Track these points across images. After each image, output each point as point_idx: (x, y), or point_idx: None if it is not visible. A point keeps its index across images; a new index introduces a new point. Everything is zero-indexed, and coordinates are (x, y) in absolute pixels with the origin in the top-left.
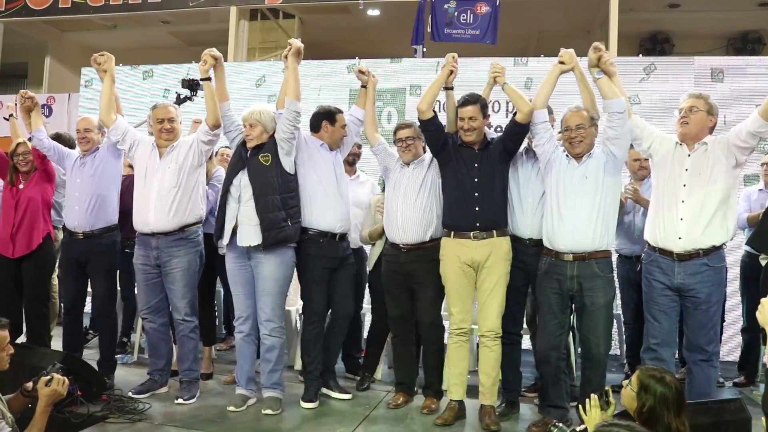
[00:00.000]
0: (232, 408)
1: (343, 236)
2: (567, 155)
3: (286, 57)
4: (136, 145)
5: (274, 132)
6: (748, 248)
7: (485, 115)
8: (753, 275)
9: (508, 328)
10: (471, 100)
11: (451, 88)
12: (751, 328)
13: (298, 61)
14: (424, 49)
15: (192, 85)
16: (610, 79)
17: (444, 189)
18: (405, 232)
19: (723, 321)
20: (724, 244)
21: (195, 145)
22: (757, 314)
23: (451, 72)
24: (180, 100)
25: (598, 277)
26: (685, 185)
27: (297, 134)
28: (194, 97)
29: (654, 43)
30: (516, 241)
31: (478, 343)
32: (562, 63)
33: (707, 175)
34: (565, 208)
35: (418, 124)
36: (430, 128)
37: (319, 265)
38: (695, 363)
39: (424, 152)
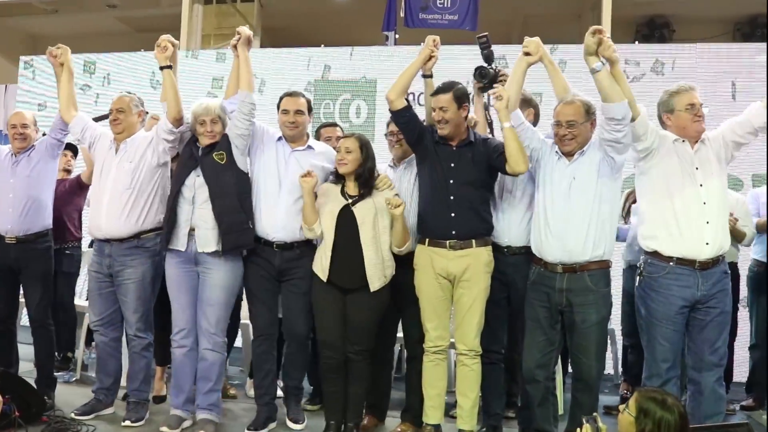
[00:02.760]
0: (165, 429)
1: (289, 245)
2: (557, 152)
3: (235, 47)
4: (96, 140)
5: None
6: (757, 257)
7: (461, 106)
8: (762, 286)
9: (488, 346)
10: (444, 87)
11: (430, 76)
12: (760, 345)
13: (248, 50)
14: (397, 36)
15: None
16: (612, 69)
17: (420, 189)
18: None
19: (734, 338)
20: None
21: (155, 142)
22: None
23: (431, 57)
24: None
25: (590, 292)
26: (702, 185)
27: (252, 129)
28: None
29: (652, 29)
30: (493, 249)
31: (455, 362)
32: (527, 54)
33: (717, 173)
34: (553, 212)
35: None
36: (401, 120)
37: (256, 274)
38: (706, 383)
39: None
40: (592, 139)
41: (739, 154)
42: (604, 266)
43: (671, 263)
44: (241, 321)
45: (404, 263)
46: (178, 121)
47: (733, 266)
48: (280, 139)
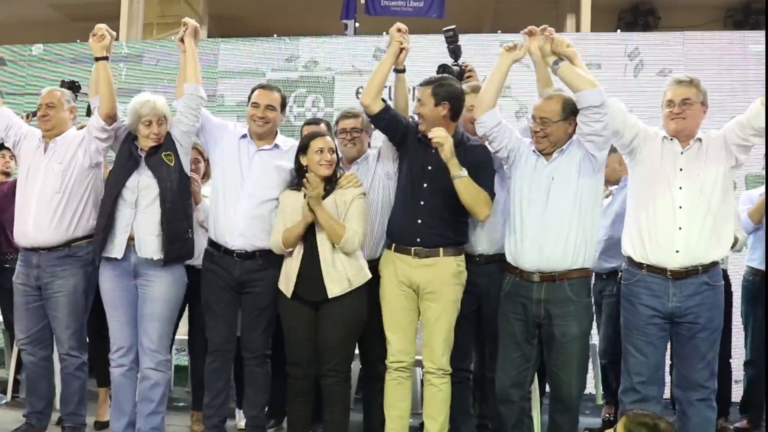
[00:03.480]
0: None
1: (251, 255)
2: (535, 151)
3: (181, 40)
4: (22, 139)
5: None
6: (752, 264)
7: (439, 102)
8: (758, 296)
9: (456, 364)
10: (427, 80)
11: (403, 71)
12: (755, 360)
13: (196, 42)
14: (357, 25)
15: (72, 87)
16: (573, 63)
17: (396, 191)
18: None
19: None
20: (722, 259)
21: (86, 141)
22: None
23: (402, 49)
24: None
25: (571, 303)
26: (681, 188)
27: (200, 126)
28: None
29: (636, 16)
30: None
31: (422, 380)
32: (511, 49)
33: (706, 177)
34: (530, 216)
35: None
36: (380, 123)
37: (213, 284)
38: (690, 404)
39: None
40: (573, 137)
41: None
42: (584, 275)
43: (642, 270)
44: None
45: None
46: (111, 118)
47: (724, 275)
48: (244, 136)
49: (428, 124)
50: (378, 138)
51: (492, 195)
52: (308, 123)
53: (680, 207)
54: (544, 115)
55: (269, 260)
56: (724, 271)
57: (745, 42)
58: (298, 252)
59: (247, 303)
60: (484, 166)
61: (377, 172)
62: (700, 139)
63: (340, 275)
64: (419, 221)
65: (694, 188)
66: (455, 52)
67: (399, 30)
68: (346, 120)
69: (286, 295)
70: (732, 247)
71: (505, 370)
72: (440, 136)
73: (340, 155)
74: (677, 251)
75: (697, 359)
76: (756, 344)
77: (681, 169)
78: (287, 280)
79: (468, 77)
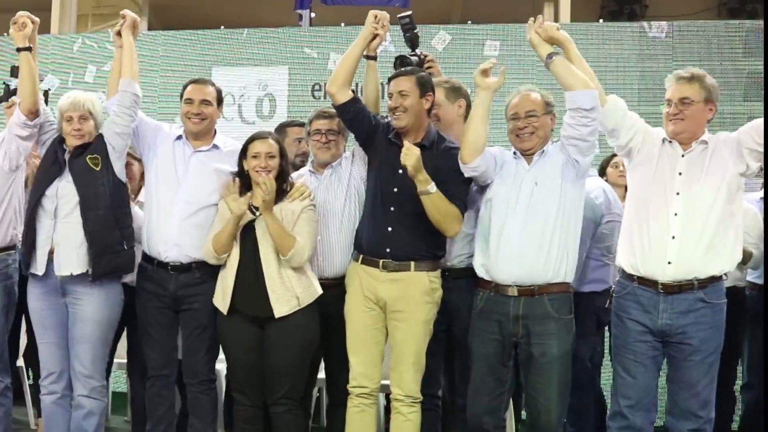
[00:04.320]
0: None
1: (186, 267)
2: (515, 154)
3: (118, 33)
4: None
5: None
6: (751, 278)
7: (425, 95)
8: (757, 313)
9: (424, 389)
10: (407, 70)
11: (374, 58)
12: (754, 384)
13: (135, 36)
14: (313, 15)
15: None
16: (567, 53)
17: (366, 196)
18: (329, 264)
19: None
20: (724, 274)
21: (6, 141)
22: None
23: (375, 36)
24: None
25: (552, 320)
26: (678, 193)
27: (137, 127)
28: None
29: (621, 5)
30: None
31: (387, 408)
32: (486, 73)
33: (708, 183)
34: (509, 224)
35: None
36: (346, 115)
37: (147, 303)
38: None
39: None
40: (552, 143)
41: None
42: (566, 290)
43: (633, 282)
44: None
45: (334, 288)
46: (33, 114)
47: (738, 292)
48: (179, 138)
49: (411, 118)
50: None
51: (463, 208)
52: (283, 126)
53: (675, 214)
54: (530, 109)
55: (208, 273)
56: (740, 289)
57: (742, 32)
58: (234, 262)
59: (185, 322)
60: (456, 173)
61: (353, 176)
62: (705, 142)
63: (288, 292)
64: (389, 229)
65: (692, 195)
66: (412, 40)
67: (376, 17)
68: (320, 120)
69: (222, 311)
70: (744, 264)
71: (477, 395)
72: (410, 149)
73: (312, 157)
74: (669, 262)
75: (689, 385)
76: (754, 365)
77: (680, 174)
78: (223, 295)
79: (428, 68)
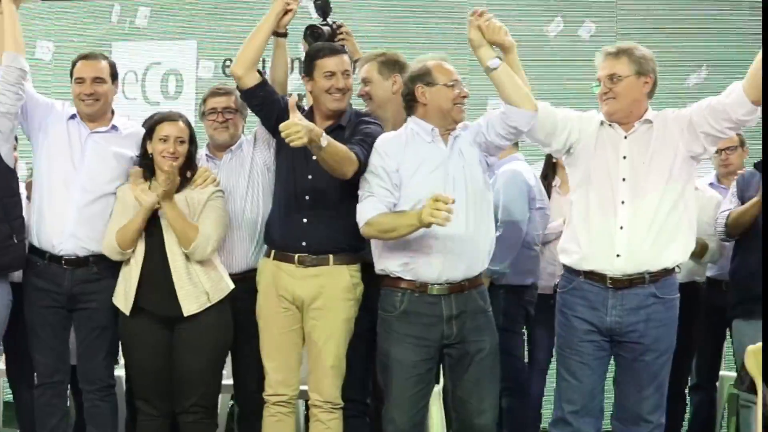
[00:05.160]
0: None
1: (83, 261)
2: (433, 132)
3: None
4: None
5: None
6: (710, 274)
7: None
8: (712, 309)
9: (350, 394)
10: (339, 48)
11: (284, 35)
12: (702, 385)
13: (17, 5)
14: None
15: None
16: (508, 58)
17: (275, 185)
18: (231, 257)
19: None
20: (677, 266)
21: None
22: (745, 362)
23: (287, 11)
24: None
25: (482, 313)
26: (624, 179)
27: (26, 105)
28: None
29: None
30: (370, 271)
31: (306, 416)
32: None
33: (656, 166)
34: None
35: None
36: (255, 100)
37: (37, 302)
38: None
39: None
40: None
41: None
42: (482, 281)
43: (579, 277)
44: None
45: (242, 284)
46: None
47: (695, 288)
48: (73, 117)
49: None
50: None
51: (361, 163)
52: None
53: (622, 202)
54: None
55: (107, 268)
56: (695, 285)
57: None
58: (139, 257)
59: (81, 323)
60: (366, 128)
61: (255, 161)
62: (649, 121)
63: (197, 288)
64: (304, 221)
65: (639, 180)
66: (323, 8)
67: None
68: (216, 98)
69: (125, 312)
70: (701, 257)
71: (401, 408)
72: (292, 131)
73: (215, 141)
74: (618, 255)
75: (639, 387)
76: (704, 366)
77: (624, 157)
78: (126, 293)
79: (341, 39)
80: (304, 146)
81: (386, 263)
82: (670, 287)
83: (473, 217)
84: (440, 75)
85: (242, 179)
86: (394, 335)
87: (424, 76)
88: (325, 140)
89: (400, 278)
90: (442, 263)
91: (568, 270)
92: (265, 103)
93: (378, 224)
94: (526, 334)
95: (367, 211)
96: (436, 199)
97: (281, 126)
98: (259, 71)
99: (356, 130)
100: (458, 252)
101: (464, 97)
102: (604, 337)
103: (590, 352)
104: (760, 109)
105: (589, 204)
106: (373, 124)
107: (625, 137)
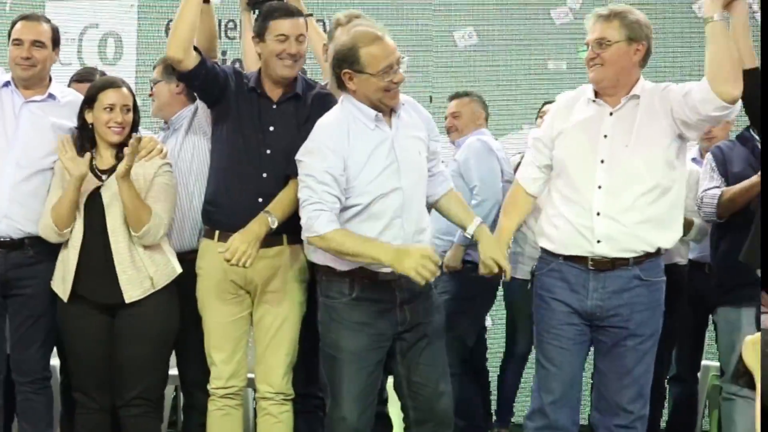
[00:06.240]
0: None
1: (18, 243)
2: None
3: None
4: None
5: None
6: (693, 257)
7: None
8: (694, 294)
9: (302, 387)
10: (296, 11)
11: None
12: (683, 376)
13: None
14: None
15: None
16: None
17: (212, 159)
18: (179, 236)
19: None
20: (660, 249)
21: None
22: (743, 354)
23: None
24: None
25: (429, 292)
26: (603, 161)
27: None
28: None
29: None
30: None
31: (255, 409)
32: None
33: (639, 147)
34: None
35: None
36: (196, 81)
37: None
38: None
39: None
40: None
41: None
42: None
43: (559, 259)
44: None
45: (191, 266)
46: None
47: (677, 270)
48: (7, 84)
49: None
50: None
51: None
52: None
53: (599, 186)
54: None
55: (44, 251)
56: (679, 267)
57: None
58: (77, 239)
59: (15, 309)
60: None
61: (189, 136)
62: (637, 96)
63: (140, 273)
64: (260, 200)
65: (618, 162)
66: None
67: None
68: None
69: (62, 297)
70: (687, 235)
71: (353, 403)
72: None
73: None
74: (599, 241)
75: (619, 374)
76: (685, 356)
77: (605, 136)
78: (63, 278)
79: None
80: (259, 118)
81: (329, 260)
82: (656, 269)
83: (418, 202)
84: (369, 62)
85: (189, 154)
86: (345, 323)
87: (352, 62)
88: (274, 222)
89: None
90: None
91: (546, 252)
92: (207, 80)
93: (335, 243)
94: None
95: (322, 225)
96: (427, 256)
97: (226, 256)
98: (195, 48)
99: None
100: (420, 228)
101: (397, 83)
102: (584, 321)
103: (570, 336)
104: (736, 105)
105: (568, 187)
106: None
107: (611, 113)
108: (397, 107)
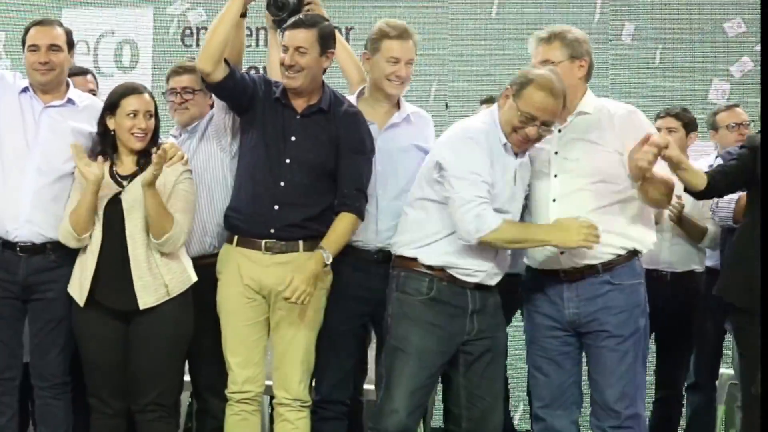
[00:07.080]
0: None
1: (40, 248)
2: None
3: None
4: None
5: None
6: (709, 264)
7: (325, 51)
8: (712, 303)
9: (331, 394)
10: (305, 21)
11: (244, 14)
12: (701, 384)
13: None
14: None
15: None
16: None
17: (238, 166)
18: (199, 243)
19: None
20: (635, 252)
21: None
22: None
23: None
24: None
25: (498, 309)
26: (556, 176)
27: None
28: None
29: None
30: (355, 255)
31: (272, 415)
32: None
33: (589, 160)
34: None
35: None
36: (224, 92)
37: None
38: None
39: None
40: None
41: None
42: None
43: (537, 273)
44: None
45: (201, 272)
46: None
47: (694, 278)
48: (25, 90)
49: (307, 79)
50: None
51: (364, 196)
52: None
53: (554, 200)
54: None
55: (65, 255)
56: (694, 274)
57: None
58: (96, 244)
59: (36, 314)
60: (360, 146)
61: (207, 139)
62: (586, 113)
63: (156, 280)
64: (276, 207)
65: (571, 175)
66: None
67: None
68: (178, 77)
69: (79, 302)
70: (701, 242)
71: (408, 398)
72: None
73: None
74: (561, 252)
75: (602, 375)
76: (704, 363)
77: (556, 153)
78: (80, 283)
79: (308, 9)
80: (282, 127)
81: (432, 251)
82: (628, 273)
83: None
84: (532, 103)
85: (202, 159)
86: (418, 320)
87: (520, 92)
88: (329, 258)
89: (436, 267)
90: (489, 252)
91: (527, 266)
92: (236, 90)
93: (507, 233)
94: None
95: (495, 219)
96: (585, 224)
97: (286, 294)
98: (225, 61)
99: (353, 138)
100: (499, 260)
101: (528, 136)
102: (568, 332)
103: (554, 348)
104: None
105: (529, 201)
106: (364, 128)
107: (559, 130)
108: (520, 154)
